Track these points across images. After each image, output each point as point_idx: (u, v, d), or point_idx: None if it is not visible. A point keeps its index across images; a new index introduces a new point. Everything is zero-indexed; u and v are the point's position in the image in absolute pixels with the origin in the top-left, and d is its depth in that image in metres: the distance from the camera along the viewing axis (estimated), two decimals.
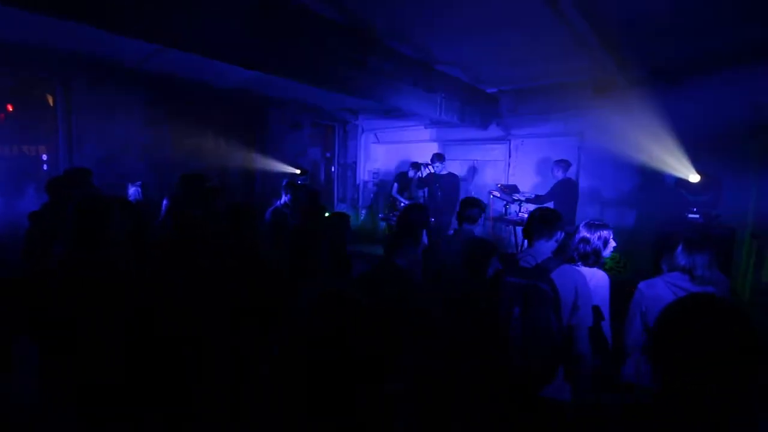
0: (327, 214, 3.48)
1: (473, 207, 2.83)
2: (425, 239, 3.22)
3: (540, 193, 5.32)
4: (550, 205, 5.03)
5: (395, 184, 6.53)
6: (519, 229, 5.65)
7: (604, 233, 2.22)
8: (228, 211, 2.43)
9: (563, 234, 2.07)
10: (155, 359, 1.57)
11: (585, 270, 2.22)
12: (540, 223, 2.06)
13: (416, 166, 6.32)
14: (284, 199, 4.42)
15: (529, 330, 1.84)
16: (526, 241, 2.16)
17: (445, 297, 2.20)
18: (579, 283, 1.95)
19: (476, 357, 1.93)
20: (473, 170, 7.10)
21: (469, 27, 3.77)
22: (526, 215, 5.35)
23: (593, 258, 2.20)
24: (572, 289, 1.92)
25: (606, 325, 2.07)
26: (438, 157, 5.50)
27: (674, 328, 0.96)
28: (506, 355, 1.85)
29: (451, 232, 3.25)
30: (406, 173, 6.52)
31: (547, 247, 2.05)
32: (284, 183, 4.46)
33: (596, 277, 2.21)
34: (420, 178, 5.85)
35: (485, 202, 6.85)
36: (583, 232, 2.26)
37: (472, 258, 2.29)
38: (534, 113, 5.99)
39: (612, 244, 2.24)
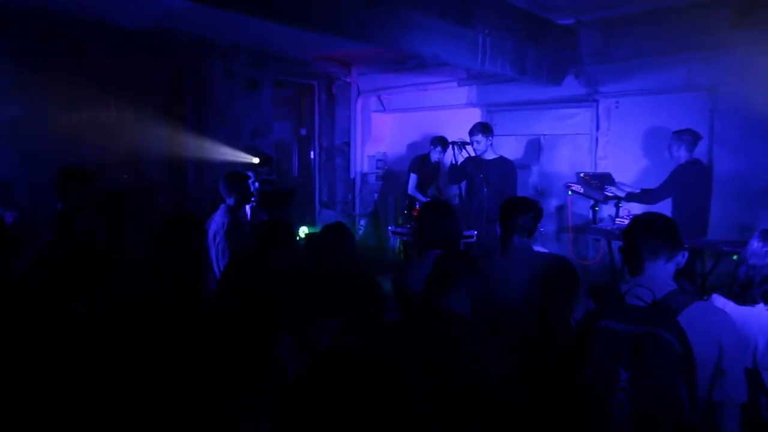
0: (306, 231, 3.55)
1: (523, 210, 2.95)
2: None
3: (649, 186, 5.32)
4: (668, 204, 5.00)
5: (412, 176, 6.61)
6: (617, 244, 5.58)
7: None
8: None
9: (687, 253, 2.17)
10: None
11: (737, 310, 2.28)
12: (653, 236, 2.13)
13: (442, 142, 6.41)
14: (228, 202, 4.50)
15: (645, 405, 1.89)
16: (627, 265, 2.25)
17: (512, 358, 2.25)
18: (726, 332, 2.00)
19: None
20: (538, 150, 7.14)
21: None
22: (627, 221, 5.22)
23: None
24: (714, 342, 1.98)
25: None
26: (482, 130, 5.55)
27: None
28: None
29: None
30: (428, 156, 6.59)
31: (665, 272, 2.13)
32: (224, 175, 4.58)
33: (760, 321, 2.26)
34: (453, 165, 5.79)
35: (562, 201, 6.38)
36: (761, 246, 2.42)
37: (545, 293, 2.42)
38: (635, 56, 5.93)
39: None
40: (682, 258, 2.15)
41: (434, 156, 6.53)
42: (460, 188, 5.79)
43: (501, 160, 5.62)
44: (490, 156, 5.57)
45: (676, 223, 2.18)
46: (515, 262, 2.82)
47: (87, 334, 2.24)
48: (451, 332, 2.23)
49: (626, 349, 1.93)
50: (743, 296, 2.42)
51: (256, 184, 5.82)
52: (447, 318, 2.28)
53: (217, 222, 4.37)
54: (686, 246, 2.22)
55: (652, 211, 2.32)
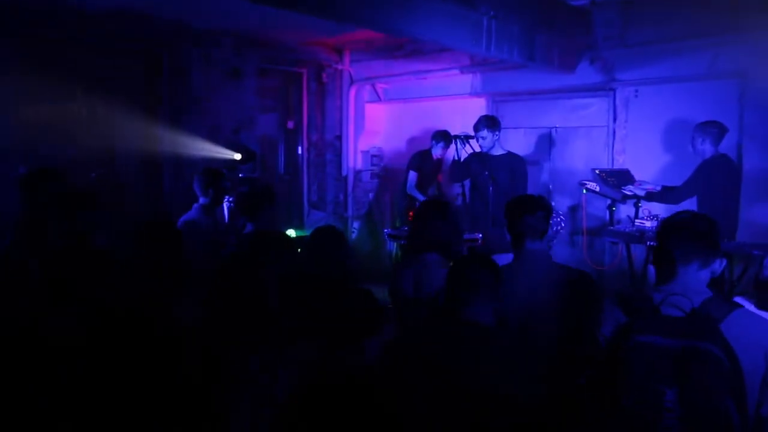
0: (293, 233, 3.55)
1: (530, 209, 2.91)
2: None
3: (671, 184, 5.35)
4: (692, 204, 4.99)
5: (411, 174, 6.65)
6: (636, 248, 5.58)
7: None
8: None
9: (725, 260, 2.16)
10: None
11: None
12: (689, 238, 2.13)
13: (445, 137, 6.44)
14: (202, 201, 4.57)
15: (696, 425, 1.87)
16: (656, 271, 2.24)
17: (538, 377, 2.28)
18: None
19: None
20: (549, 145, 7.15)
21: None
22: (648, 223, 5.33)
23: None
24: (760, 353, 1.97)
25: None
26: (488, 124, 5.58)
27: None
28: None
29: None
30: (428, 152, 6.62)
31: (698, 280, 2.12)
32: (200, 173, 4.64)
33: None
34: (456, 162, 5.82)
35: (575, 200, 6.44)
36: None
37: (568, 304, 2.42)
38: (656, 40, 5.94)
39: None
40: (719, 265, 2.13)
41: (436, 152, 6.56)
42: (463, 187, 5.82)
43: (509, 156, 5.62)
44: (497, 152, 5.59)
45: (717, 226, 2.16)
46: (529, 271, 2.80)
47: (61, 344, 2.28)
48: (480, 346, 2.24)
49: (667, 365, 1.91)
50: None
51: (228, 184, 5.79)
52: (474, 331, 2.29)
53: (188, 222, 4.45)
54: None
55: (689, 210, 2.32)
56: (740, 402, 1.88)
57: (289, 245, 3.06)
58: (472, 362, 2.20)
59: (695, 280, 2.11)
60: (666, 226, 2.19)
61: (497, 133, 5.58)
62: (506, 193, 5.25)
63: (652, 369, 1.92)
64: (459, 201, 5.99)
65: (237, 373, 2.31)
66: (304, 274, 2.84)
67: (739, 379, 1.89)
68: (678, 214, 2.23)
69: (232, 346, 2.37)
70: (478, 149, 5.61)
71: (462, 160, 5.66)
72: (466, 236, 5.15)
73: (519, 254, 2.93)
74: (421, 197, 6.46)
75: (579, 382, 2.37)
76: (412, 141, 8.11)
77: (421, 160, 6.66)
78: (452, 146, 5.92)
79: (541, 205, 2.95)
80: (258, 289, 2.56)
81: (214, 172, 4.70)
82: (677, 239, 2.13)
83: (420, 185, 6.64)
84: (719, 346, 1.88)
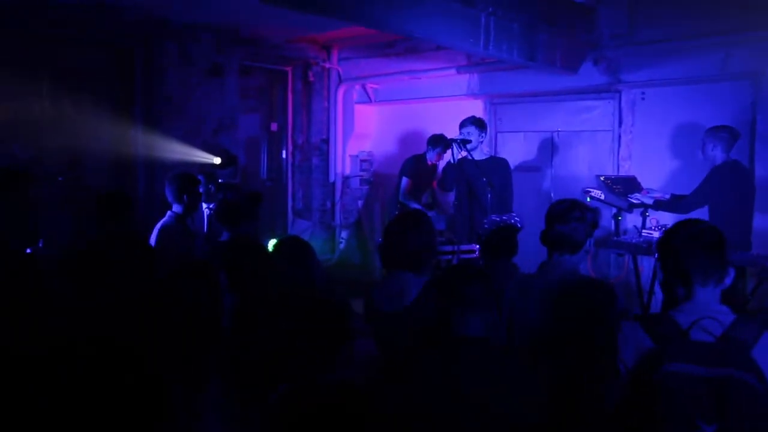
0: (273, 243, 3.73)
1: (575, 216, 2.82)
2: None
3: (679, 192, 5.38)
4: (705, 212, 4.97)
5: (404, 180, 6.61)
6: (646, 260, 5.60)
7: None
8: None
9: (733, 271, 2.17)
10: None
11: None
12: (704, 254, 2.13)
13: (442, 141, 6.39)
14: (175, 208, 4.61)
15: None
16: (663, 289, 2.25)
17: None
18: None
19: None
20: (550, 150, 7.21)
21: None
22: (656, 234, 5.29)
23: None
24: None
25: None
26: (475, 121, 5.68)
27: None
28: None
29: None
30: (423, 157, 6.60)
31: (715, 297, 2.13)
32: (171, 176, 4.69)
33: None
34: (450, 166, 5.85)
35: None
36: None
37: (583, 328, 2.47)
38: (664, 39, 5.94)
39: None
40: (729, 278, 2.14)
41: (431, 157, 6.53)
42: (460, 194, 5.84)
43: (495, 159, 5.74)
44: (482, 155, 5.66)
45: (724, 235, 2.18)
46: (547, 284, 2.76)
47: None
48: (475, 360, 2.26)
49: (704, 397, 1.90)
50: None
51: (212, 188, 5.86)
52: (467, 346, 2.31)
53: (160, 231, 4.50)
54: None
55: (694, 218, 2.32)
56: None
57: (265, 259, 3.06)
58: (465, 380, 2.21)
59: (714, 299, 2.11)
60: (675, 240, 2.18)
61: (483, 134, 5.69)
62: (501, 199, 5.35)
63: (689, 402, 1.91)
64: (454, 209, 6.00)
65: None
66: (270, 290, 2.86)
67: None
68: (683, 225, 2.23)
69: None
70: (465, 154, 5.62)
71: (456, 164, 5.68)
72: (464, 247, 5.11)
73: (543, 265, 2.91)
74: (414, 205, 6.42)
75: (606, 409, 2.36)
76: (404, 145, 8.12)
77: (415, 165, 6.63)
78: (448, 152, 5.92)
79: (590, 209, 2.87)
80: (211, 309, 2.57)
81: (188, 177, 4.70)
82: (693, 256, 2.12)
83: (413, 192, 6.59)
84: (754, 374, 1.88)
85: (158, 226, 4.54)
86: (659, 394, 1.95)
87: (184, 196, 4.57)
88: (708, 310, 2.06)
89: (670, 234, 2.20)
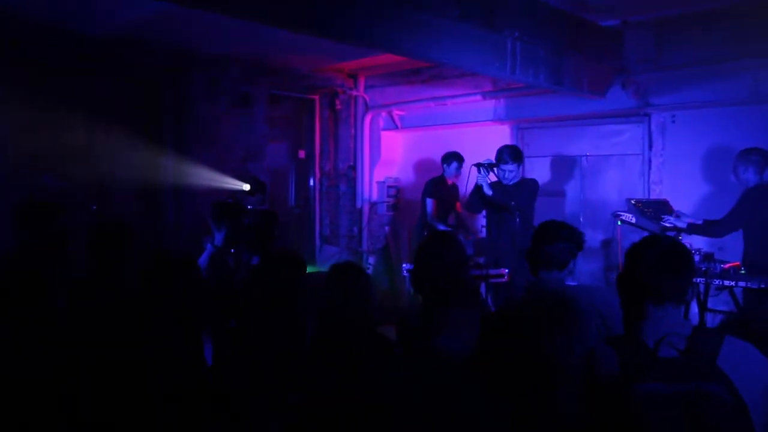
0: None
1: (557, 237, 2.92)
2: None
3: (712, 215, 5.31)
4: (738, 237, 5.00)
5: (428, 201, 6.67)
6: None
7: None
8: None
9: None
10: None
11: None
12: (674, 274, 2.10)
13: (456, 157, 6.51)
14: (217, 238, 4.46)
15: None
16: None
17: None
18: None
19: None
20: (579, 174, 7.21)
21: None
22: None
23: None
24: (759, 388, 1.96)
25: None
26: (513, 155, 5.54)
27: None
28: None
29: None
30: (442, 177, 6.72)
31: (679, 313, 2.12)
32: (213, 205, 4.60)
33: None
34: (477, 188, 5.65)
35: (609, 234, 6.26)
36: None
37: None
38: (693, 62, 5.94)
39: None
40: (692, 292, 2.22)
41: (449, 175, 6.57)
42: (489, 216, 5.81)
43: (524, 181, 5.65)
44: (516, 179, 5.56)
45: (690, 251, 2.21)
46: (532, 300, 2.84)
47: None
48: (437, 375, 2.24)
49: (678, 416, 1.89)
50: None
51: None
52: (436, 358, 2.32)
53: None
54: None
55: (658, 235, 2.35)
56: None
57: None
58: (431, 391, 2.19)
59: (678, 315, 2.09)
60: (638, 257, 2.11)
61: (522, 165, 5.64)
62: (529, 223, 5.30)
63: (662, 422, 1.90)
64: (484, 233, 5.93)
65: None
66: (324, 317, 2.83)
67: (747, 421, 1.89)
68: (648, 242, 2.15)
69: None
70: (499, 177, 5.55)
71: (483, 183, 5.56)
72: (492, 271, 5.14)
73: (533, 285, 3.00)
74: (442, 227, 6.45)
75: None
76: (430, 171, 8.04)
77: (436, 186, 6.67)
78: (466, 169, 5.89)
79: (572, 233, 2.96)
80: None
81: (228, 206, 4.65)
82: (655, 275, 2.07)
83: (439, 214, 6.62)
84: (723, 384, 1.89)
85: (205, 255, 4.36)
86: (630, 416, 1.94)
87: (223, 222, 4.40)
88: (672, 326, 2.06)
89: (632, 252, 2.16)
